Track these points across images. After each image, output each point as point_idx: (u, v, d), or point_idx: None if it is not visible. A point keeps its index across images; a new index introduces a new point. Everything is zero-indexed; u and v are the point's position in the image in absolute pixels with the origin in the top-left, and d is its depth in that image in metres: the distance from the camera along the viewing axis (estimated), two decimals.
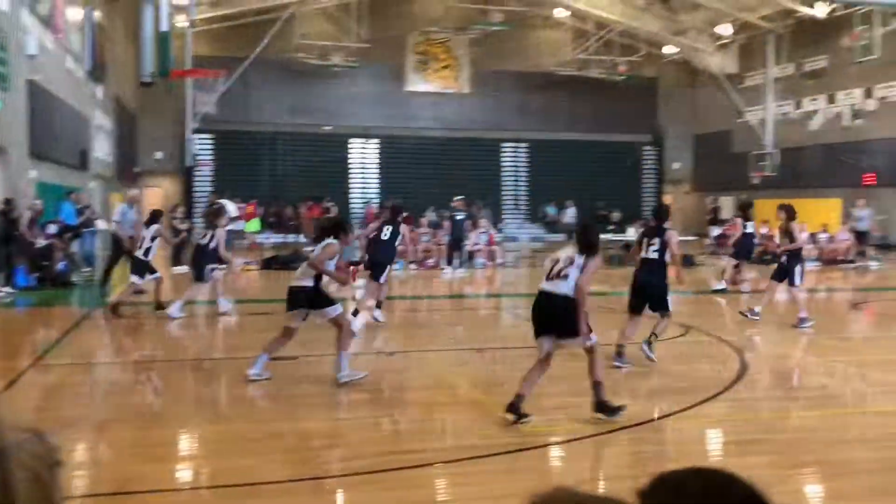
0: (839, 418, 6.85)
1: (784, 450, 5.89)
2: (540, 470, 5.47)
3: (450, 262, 20.07)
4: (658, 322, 8.52)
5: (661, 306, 8.50)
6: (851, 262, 21.59)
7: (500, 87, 36.36)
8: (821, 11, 28.68)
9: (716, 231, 28.96)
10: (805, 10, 29.40)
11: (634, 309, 8.59)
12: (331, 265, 7.68)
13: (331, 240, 7.43)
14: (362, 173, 35.89)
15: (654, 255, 8.47)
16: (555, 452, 5.87)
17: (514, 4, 34.28)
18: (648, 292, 8.50)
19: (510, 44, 35.81)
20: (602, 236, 7.15)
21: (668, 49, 36.24)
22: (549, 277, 6.31)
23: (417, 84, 36.13)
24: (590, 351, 6.28)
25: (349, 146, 35.68)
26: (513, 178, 37.45)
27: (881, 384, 8.15)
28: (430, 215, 24.50)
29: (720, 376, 7.94)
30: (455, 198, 21.41)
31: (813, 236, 22.83)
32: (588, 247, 6.29)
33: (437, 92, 36.28)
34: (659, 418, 6.65)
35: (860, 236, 22.49)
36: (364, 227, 15.93)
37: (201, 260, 12.01)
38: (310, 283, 7.38)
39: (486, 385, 7.70)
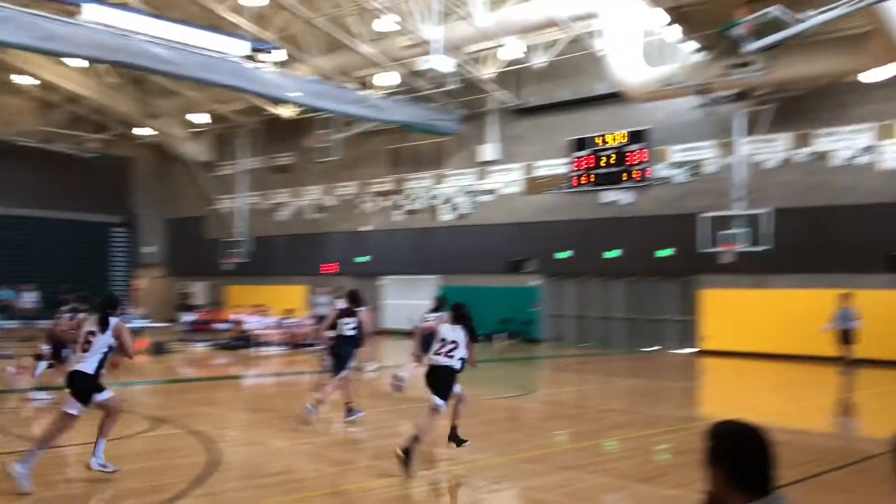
0: (306, 501, 7.13)
1: None
2: None
3: None
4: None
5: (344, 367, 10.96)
6: (312, 345, 23.05)
7: None
8: (287, 112, 31.09)
9: (188, 317, 28.80)
10: (272, 110, 31.61)
11: (337, 370, 10.85)
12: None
13: (117, 319, 7.33)
14: None
15: (351, 332, 11.03)
16: None
17: None
18: (345, 357, 10.94)
19: None
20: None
21: (143, 131, 35.77)
22: (436, 353, 8.38)
23: None
24: (435, 411, 8.18)
25: None
26: None
27: (339, 463, 8.78)
28: None
29: (190, 470, 7.75)
30: None
31: (281, 321, 24.10)
32: (466, 322, 8.57)
33: None
34: None
35: (321, 321, 24.12)
36: None
37: None
38: (91, 368, 7.12)
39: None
